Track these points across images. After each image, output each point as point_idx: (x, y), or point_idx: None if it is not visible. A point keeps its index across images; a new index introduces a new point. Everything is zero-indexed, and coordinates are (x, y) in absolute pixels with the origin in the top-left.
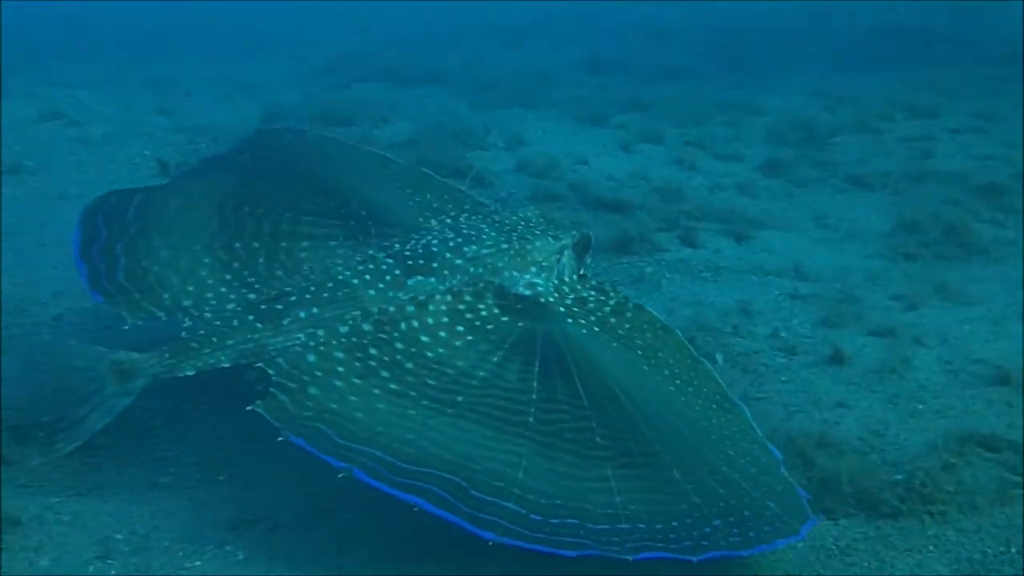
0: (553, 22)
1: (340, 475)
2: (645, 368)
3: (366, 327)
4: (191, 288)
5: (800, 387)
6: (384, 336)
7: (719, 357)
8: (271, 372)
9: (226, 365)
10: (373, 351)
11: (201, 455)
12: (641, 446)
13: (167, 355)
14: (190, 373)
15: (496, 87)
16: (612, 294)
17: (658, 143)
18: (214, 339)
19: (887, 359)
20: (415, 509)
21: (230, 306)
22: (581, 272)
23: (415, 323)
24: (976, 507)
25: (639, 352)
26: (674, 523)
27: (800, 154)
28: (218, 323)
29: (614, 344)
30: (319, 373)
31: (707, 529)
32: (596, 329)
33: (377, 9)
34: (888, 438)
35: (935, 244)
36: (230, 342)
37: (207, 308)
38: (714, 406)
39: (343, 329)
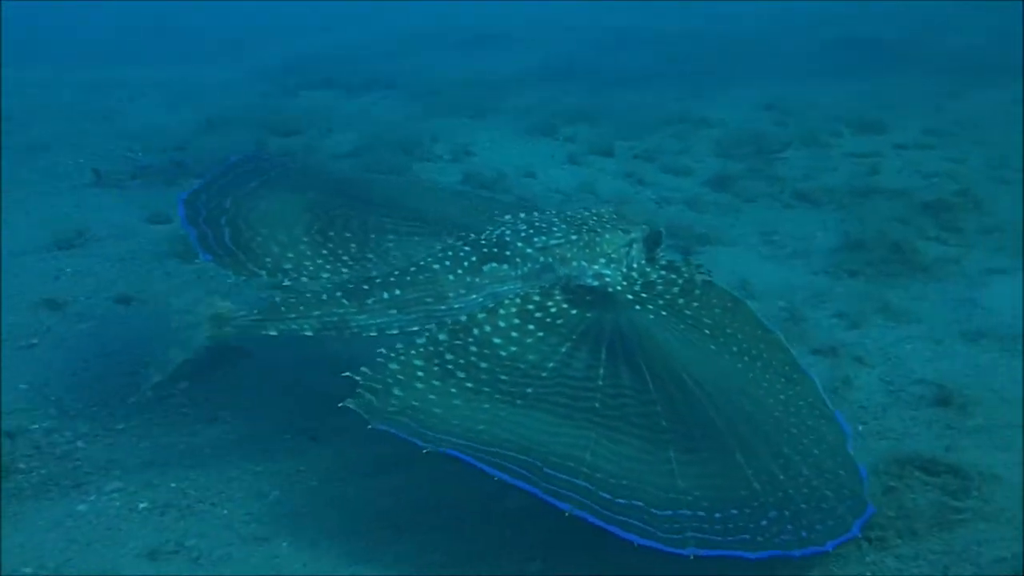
0: (510, 28)
1: (425, 451)
2: (712, 347)
3: (442, 336)
4: (291, 255)
5: None
6: (459, 343)
7: None
8: (358, 379)
9: (309, 333)
10: (449, 356)
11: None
12: (705, 429)
13: (256, 312)
14: (273, 333)
15: (446, 94)
16: (684, 270)
17: (607, 155)
18: (301, 307)
19: (829, 378)
20: (495, 479)
21: (325, 275)
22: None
23: (487, 328)
24: (915, 532)
25: (707, 331)
26: (733, 511)
27: (749, 168)
28: (308, 294)
29: (681, 326)
30: (401, 378)
31: (763, 522)
32: (664, 313)
33: (330, 13)
34: None
35: (880, 262)
36: (316, 312)
37: (305, 274)
38: (783, 379)
39: (421, 341)
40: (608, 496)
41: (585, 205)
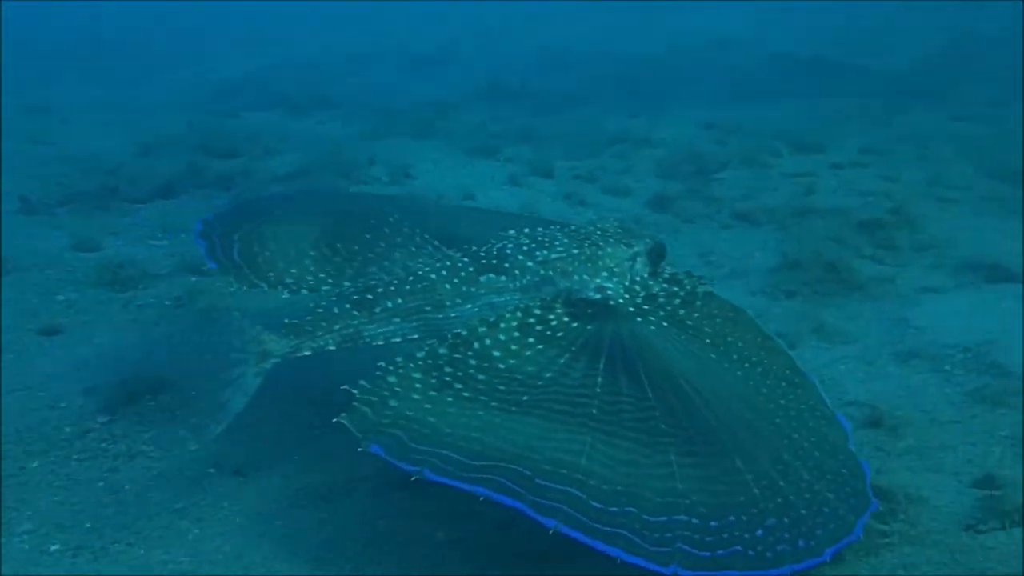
0: (457, 49)
1: (412, 478)
2: (713, 356)
3: (442, 351)
4: (294, 271)
5: None
6: (459, 356)
7: None
8: (355, 392)
9: (332, 348)
10: (448, 369)
11: None
12: (704, 434)
13: (292, 337)
14: (307, 353)
15: (390, 115)
16: (686, 282)
17: (548, 176)
18: (323, 323)
19: None
20: (480, 499)
21: (325, 288)
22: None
23: (488, 341)
24: (842, 558)
25: (708, 340)
26: (730, 518)
27: (689, 189)
28: (321, 310)
29: (682, 336)
30: (398, 390)
31: (760, 531)
32: (665, 324)
33: (278, 31)
34: None
35: (816, 281)
36: (336, 327)
37: (304, 288)
38: (783, 384)
39: (420, 354)
40: (599, 505)
41: (591, 220)
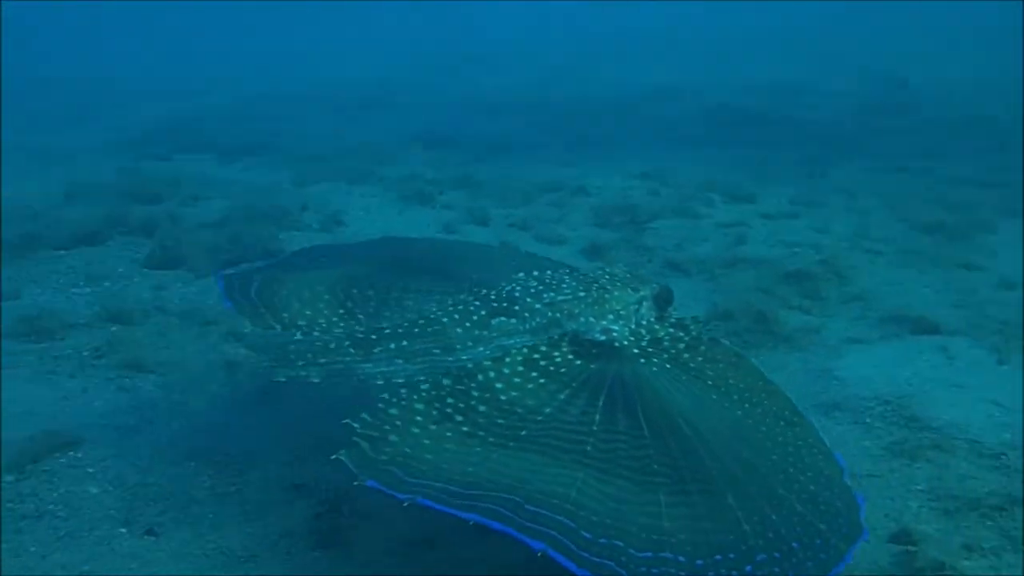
0: (394, 93)
1: (404, 504)
2: (713, 396)
3: (446, 382)
4: (308, 312)
5: None
6: (461, 388)
7: None
8: (356, 426)
9: (316, 380)
10: (450, 400)
11: None
12: (697, 472)
13: (266, 360)
14: (282, 379)
15: (323, 161)
16: (692, 327)
17: (483, 224)
18: (309, 355)
19: None
20: (471, 524)
21: (337, 331)
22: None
23: (491, 374)
24: None
25: (709, 382)
26: (717, 557)
27: (622, 238)
28: (318, 343)
29: (684, 377)
30: (399, 424)
31: (748, 567)
32: (668, 366)
33: (212, 72)
34: None
35: (744, 331)
36: (322, 360)
37: (316, 329)
38: (781, 423)
39: (424, 387)
40: (589, 536)
41: (600, 265)
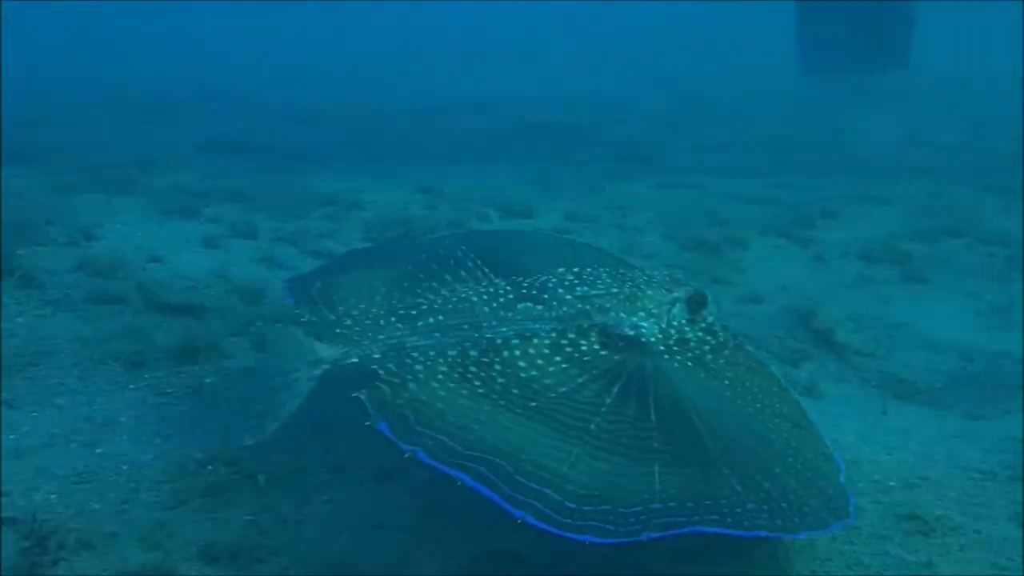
0: (186, 99)
1: (406, 455)
2: (728, 394)
3: (472, 353)
4: (362, 306)
5: (339, 506)
6: (486, 360)
7: (261, 478)
8: (381, 372)
9: (377, 356)
10: (473, 369)
11: None
12: (696, 453)
13: (340, 345)
14: (355, 360)
15: (86, 170)
16: (720, 332)
17: (250, 238)
18: (369, 334)
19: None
20: (458, 484)
21: (381, 323)
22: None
23: (517, 352)
24: None
25: (727, 381)
26: (707, 502)
27: None
28: (369, 322)
29: (702, 375)
30: (421, 376)
31: (738, 509)
32: (689, 364)
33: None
34: None
35: None
36: (381, 336)
37: (367, 319)
38: (789, 424)
39: (452, 352)
40: (573, 505)
41: (640, 267)
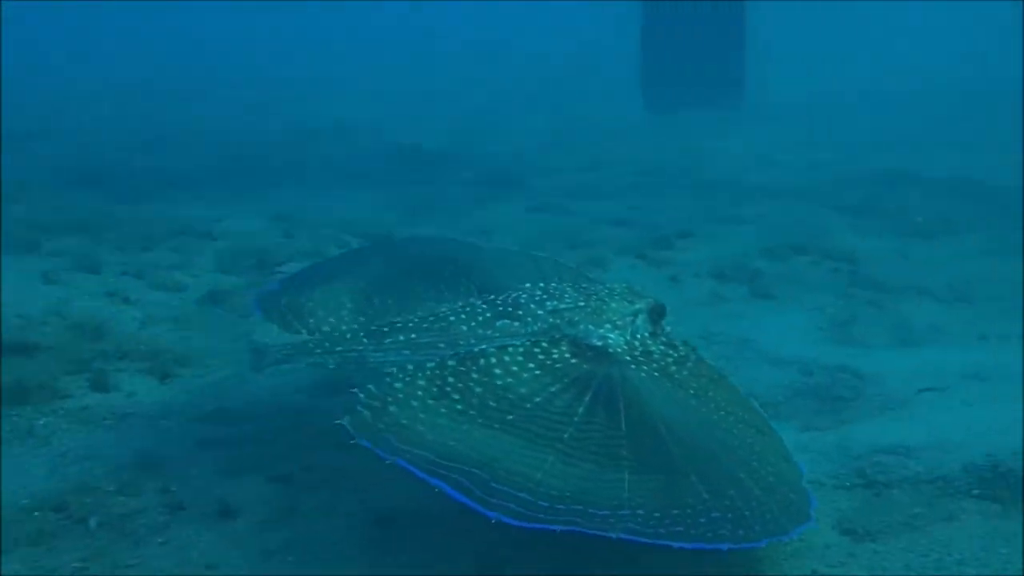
0: (45, 124)
1: (387, 462)
2: (693, 403)
3: (450, 363)
4: (332, 320)
5: (175, 548)
6: (463, 368)
7: (92, 522)
8: (361, 395)
9: (331, 367)
10: (451, 379)
11: None
12: (665, 458)
13: (289, 347)
14: (302, 365)
15: None
16: (681, 347)
17: (93, 272)
18: (326, 343)
19: (280, 509)
20: (436, 491)
21: (353, 325)
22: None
23: (493, 360)
24: None
25: (691, 391)
26: (674, 511)
27: (248, 282)
28: (334, 333)
29: (668, 385)
30: (401, 396)
31: (702, 519)
32: (656, 374)
33: None
34: None
35: None
36: (339, 348)
37: (339, 332)
38: (752, 430)
39: (431, 365)
40: (546, 504)
41: (600, 280)
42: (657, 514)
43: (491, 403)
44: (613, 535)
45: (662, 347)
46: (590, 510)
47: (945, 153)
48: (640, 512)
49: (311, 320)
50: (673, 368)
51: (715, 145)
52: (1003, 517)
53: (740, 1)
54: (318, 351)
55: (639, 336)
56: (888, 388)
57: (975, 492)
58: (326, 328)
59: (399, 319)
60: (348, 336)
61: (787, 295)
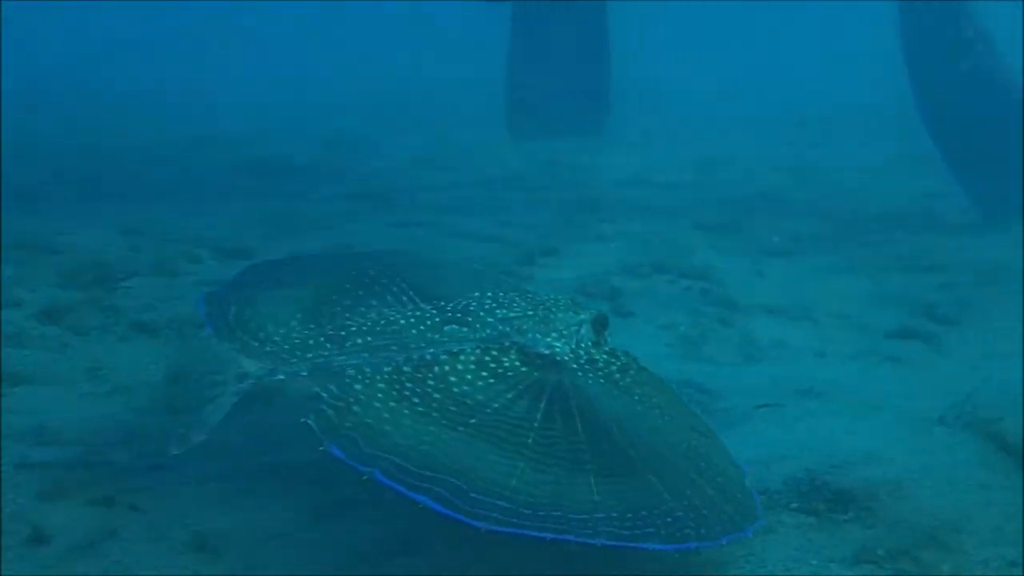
0: None
1: (364, 477)
2: (639, 408)
3: (406, 369)
4: (282, 331)
5: None
6: (419, 375)
7: None
8: (324, 395)
9: (304, 374)
10: (409, 385)
11: None
12: (624, 461)
13: (268, 363)
14: (281, 377)
15: None
16: (622, 356)
17: None
18: (298, 352)
19: (98, 530)
20: (420, 506)
21: (310, 342)
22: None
23: (446, 367)
24: None
25: (636, 397)
26: (643, 512)
27: (88, 298)
28: (298, 341)
29: (614, 391)
30: (363, 397)
31: (669, 519)
32: (602, 381)
33: None
34: None
35: None
36: (309, 355)
37: (288, 344)
38: (696, 433)
39: (387, 369)
40: (528, 511)
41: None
42: (629, 515)
43: (451, 407)
44: (598, 542)
45: (605, 356)
46: (570, 515)
47: (810, 174)
48: (614, 515)
49: (261, 333)
50: (617, 375)
51: (585, 162)
52: (817, 529)
53: (601, 19)
54: (293, 360)
55: (583, 345)
56: (731, 404)
57: (793, 505)
58: (277, 338)
59: (353, 323)
60: (312, 343)
61: (644, 312)
